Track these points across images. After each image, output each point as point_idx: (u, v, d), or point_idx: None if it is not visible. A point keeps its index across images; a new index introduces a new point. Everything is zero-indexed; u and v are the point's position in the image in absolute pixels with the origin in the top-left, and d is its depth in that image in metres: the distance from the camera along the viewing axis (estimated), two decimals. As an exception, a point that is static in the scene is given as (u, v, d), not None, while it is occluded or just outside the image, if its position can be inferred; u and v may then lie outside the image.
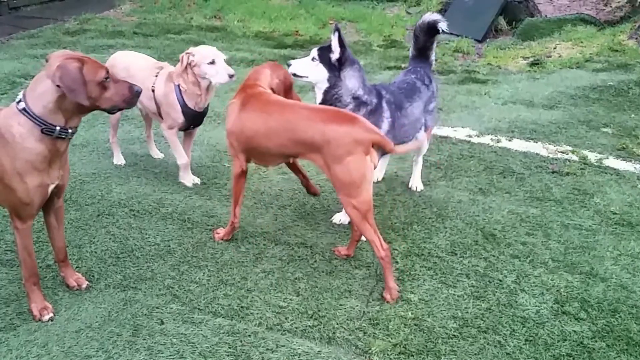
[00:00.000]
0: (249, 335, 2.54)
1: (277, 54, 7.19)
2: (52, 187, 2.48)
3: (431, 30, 3.53)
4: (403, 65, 6.84)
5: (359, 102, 3.11)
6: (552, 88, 5.81)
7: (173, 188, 3.82)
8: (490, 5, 8.31)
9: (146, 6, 9.58)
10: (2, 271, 2.95)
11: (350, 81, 3.09)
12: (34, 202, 2.44)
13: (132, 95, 2.49)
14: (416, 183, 3.86)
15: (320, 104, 3.13)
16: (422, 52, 3.64)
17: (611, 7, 8.61)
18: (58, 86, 2.27)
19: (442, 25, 3.48)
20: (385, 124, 3.16)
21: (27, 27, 8.12)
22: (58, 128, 2.35)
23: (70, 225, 3.31)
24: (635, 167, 4.11)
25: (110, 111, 2.52)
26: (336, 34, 3.03)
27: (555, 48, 7.23)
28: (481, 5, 8.35)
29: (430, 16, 3.53)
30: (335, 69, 3.07)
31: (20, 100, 2.34)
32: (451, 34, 8.34)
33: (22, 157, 2.34)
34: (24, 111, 2.31)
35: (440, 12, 9.00)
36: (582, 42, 7.23)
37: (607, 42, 7.05)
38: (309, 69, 3.14)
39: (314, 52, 3.13)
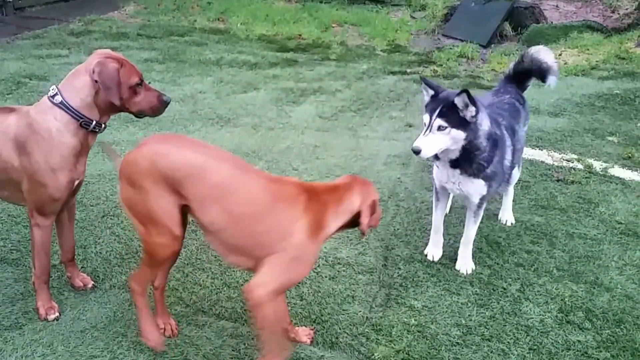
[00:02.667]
0: (253, 338, 2.54)
1: (279, 57, 7.20)
2: (76, 182, 2.52)
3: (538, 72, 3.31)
4: (408, 71, 6.85)
5: (493, 140, 2.77)
6: (557, 95, 5.79)
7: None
8: (495, 11, 8.30)
9: (150, 8, 9.61)
10: (8, 270, 2.96)
11: (485, 123, 2.72)
12: (62, 197, 2.48)
13: (160, 105, 2.53)
14: (507, 216, 3.51)
15: (458, 160, 2.78)
16: (521, 79, 3.37)
17: (619, 14, 8.59)
18: (95, 81, 2.33)
19: (551, 80, 3.32)
20: (509, 153, 2.89)
21: (32, 27, 8.16)
22: (94, 122, 2.41)
23: (75, 226, 3.30)
24: (637, 176, 4.09)
25: (137, 115, 2.55)
26: (464, 95, 2.58)
27: (560, 55, 7.21)
28: (487, 11, 8.34)
29: (545, 55, 3.30)
30: (468, 122, 2.65)
31: (55, 95, 2.37)
32: (456, 38, 8.37)
33: (57, 153, 2.37)
34: (62, 104, 2.35)
35: (445, 17, 9.05)
36: (588, 50, 7.22)
37: (614, 49, 7.02)
38: (443, 140, 2.67)
39: (437, 121, 2.64)
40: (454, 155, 2.75)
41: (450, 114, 2.62)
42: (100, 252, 3.13)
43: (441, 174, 2.94)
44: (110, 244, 3.21)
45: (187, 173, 2.12)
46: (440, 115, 2.62)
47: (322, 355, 2.46)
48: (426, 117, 2.68)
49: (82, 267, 2.97)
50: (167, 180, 2.14)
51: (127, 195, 2.24)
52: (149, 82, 5.87)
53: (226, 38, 8.14)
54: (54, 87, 2.40)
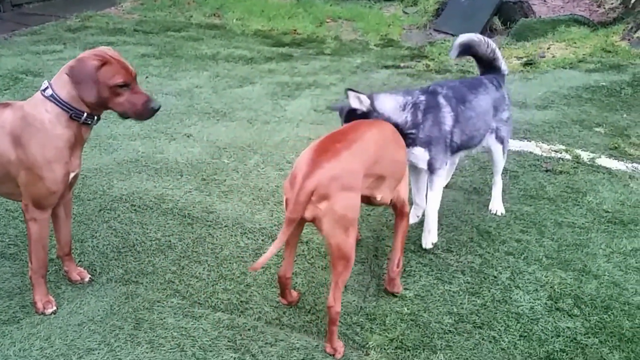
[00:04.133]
0: (249, 330, 2.59)
1: (275, 52, 7.24)
2: (72, 175, 2.54)
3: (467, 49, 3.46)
4: (401, 65, 6.92)
5: (416, 109, 3.00)
6: (545, 88, 5.87)
7: (174, 184, 3.86)
8: (485, 6, 8.37)
9: (147, 4, 9.64)
10: (6, 265, 2.99)
11: (389, 103, 2.99)
12: (59, 190, 2.49)
13: (144, 110, 2.49)
14: (496, 206, 3.59)
15: None
16: (487, 64, 3.49)
17: (604, 8, 8.68)
18: (68, 75, 2.35)
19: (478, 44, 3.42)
20: (449, 119, 3.06)
21: (30, 23, 8.18)
22: (85, 114, 2.42)
23: (72, 220, 3.33)
24: (627, 166, 4.18)
25: (121, 116, 2.52)
26: (351, 93, 2.94)
27: (548, 48, 7.29)
28: (476, 6, 8.41)
29: (463, 37, 3.46)
30: (370, 113, 2.94)
31: (46, 88, 2.40)
32: (447, 33, 8.43)
33: (51, 145, 2.40)
34: (52, 97, 2.38)
35: (436, 11, 9.10)
36: (575, 43, 7.29)
37: (600, 43, 7.10)
38: None
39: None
40: None
41: (354, 117, 2.92)
42: (97, 246, 3.17)
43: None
44: (107, 237, 3.25)
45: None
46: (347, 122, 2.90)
47: (317, 345, 2.51)
48: None
49: (79, 261, 3.01)
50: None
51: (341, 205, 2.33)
52: (146, 77, 5.97)
53: (222, 33, 8.16)
54: (46, 81, 2.44)
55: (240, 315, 2.68)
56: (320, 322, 2.65)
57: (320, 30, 8.50)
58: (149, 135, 4.61)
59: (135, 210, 3.53)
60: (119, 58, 2.44)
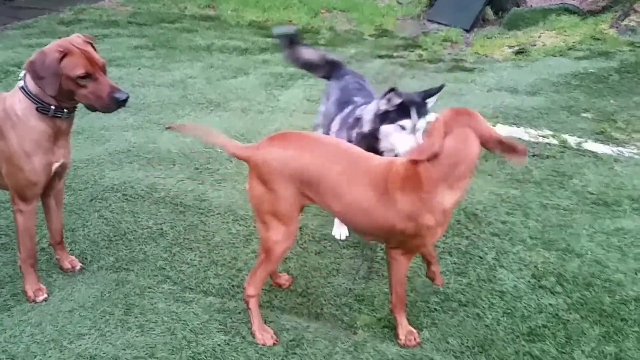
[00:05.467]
0: (239, 313, 2.63)
1: (269, 43, 7.25)
2: (56, 165, 2.54)
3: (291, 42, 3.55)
4: (395, 55, 6.97)
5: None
6: (535, 75, 5.94)
7: (165, 173, 3.91)
8: (477, -5, 8.43)
9: (141, -5, 9.64)
10: (-3, 254, 3.03)
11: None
12: (40, 181, 2.50)
13: (110, 101, 2.39)
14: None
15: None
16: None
17: (594, -3, 8.74)
18: (27, 70, 2.33)
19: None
20: None
21: (22, 17, 8.19)
22: (53, 107, 2.38)
23: (64, 210, 3.36)
24: (612, 150, 4.24)
25: (88, 108, 2.43)
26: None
27: (539, 37, 7.35)
28: (469, -5, 8.47)
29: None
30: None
31: (21, 79, 2.41)
32: (440, 23, 8.48)
33: (27, 136, 2.39)
34: (22, 89, 2.38)
35: (430, 2, 9.16)
36: (565, 31, 7.35)
37: (590, 31, 7.17)
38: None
39: (421, 122, 2.85)
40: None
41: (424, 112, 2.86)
42: (88, 235, 3.21)
43: None
44: (98, 226, 3.29)
45: (310, 176, 2.25)
46: (420, 116, 2.82)
47: (307, 326, 2.57)
48: (410, 121, 2.79)
49: (70, 250, 3.05)
50: (295, 182, 2.26)
51: (257, 193, 2.33)
52: (139, 69, 6.01)
53: (216, 25, 8.20)
54: (23, 71, 2.40)
55: (231, 299, 2.73)
56: (311, 304, 2.71)
57: (315, 21, 8.55)
58: (142, 126, 4.66)
59: (126, 199, 3.58)
60: (84, 48, 2.35)
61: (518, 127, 4.67)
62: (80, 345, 2.44)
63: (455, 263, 3.02)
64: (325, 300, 2.74)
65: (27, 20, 8.02)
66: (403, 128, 2.78)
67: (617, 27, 7.12)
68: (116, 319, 2.59)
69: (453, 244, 3.17)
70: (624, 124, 4.68)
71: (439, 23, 8.53)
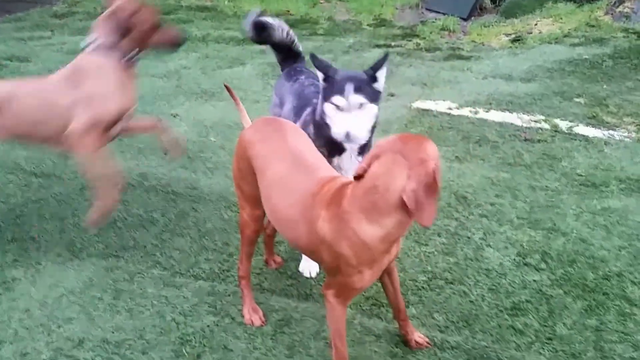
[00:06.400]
0: (229, 295, 2.68)
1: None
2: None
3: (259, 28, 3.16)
4: (393, 44, 7.00)
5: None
6: (530, 62, 5.96)
7: (157, 162, 3.94)
8: (475, -16, 8.43)
9: (136, -13, 9.61)
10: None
11: None
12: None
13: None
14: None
15: (365, 144, 2.64)
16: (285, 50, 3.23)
17: (591, -16, 8.72)
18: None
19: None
20: None
21: (14, 10, 8.18)
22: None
23: (53, 199, 3.44)
24: (603, 133, 4.27)
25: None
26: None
27: (536, 25, 7.37)
28: (466, -16, 8.46)
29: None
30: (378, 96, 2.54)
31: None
32: (438, 12, 8.49)
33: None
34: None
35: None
36: (561, 19, 7.36)
37: (585, 18, 7.18)
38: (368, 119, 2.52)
39: (356, 97, 2.42)
40: (366, 138, 2.55)
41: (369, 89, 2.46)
42: (77, 224, 3.23)
43: (347, 170, 2.63)
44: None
45: (255, 167, 2.23)
46: (357, 91, 2.41)
47: (296, 306, 2.62)
48: (340, 98, 2.42)
49: (59, 238, 3.10)
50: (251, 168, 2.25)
51: (233, 171, 2.41)
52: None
53: (213, 15, 8.21)
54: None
55: (221, 283, 2.77)
56: (301, 286, 2.76)
57: (313, 11, 8.56)
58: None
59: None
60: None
61: (511, 112, 4.70)
62: (69, 329, 2.50)
63: (443, 244, 3.06)
64: (314, 282, 2.79)
65: (19, 14, 8.01)
66: (337, 107, 2.44)
67: (612, 14, 7.13)
68: (105, 303, 2.64)
69: (442, 225, 3.21)
70: (616, 108, 4.71)
71: (437, 12, 8.53)
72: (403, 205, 1.73)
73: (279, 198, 2.10)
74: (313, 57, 2.52)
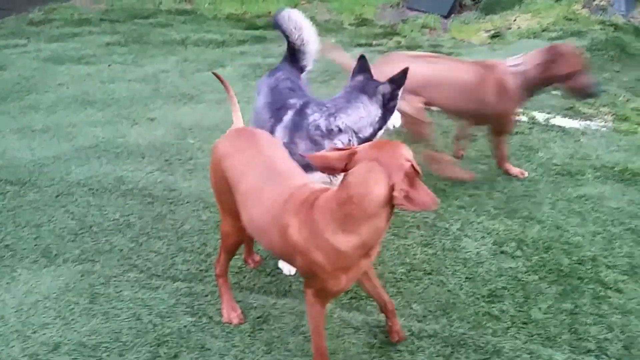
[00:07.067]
0: (207, 295, 2.67)
1: (248, 35, 7.26)
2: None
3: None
4: (374, 43, 7.02)
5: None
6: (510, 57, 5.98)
7: (134, 166, 3.88)
8: (454, -18, 8.49)
9: (114, -8, 9.56)
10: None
11: None
12: None
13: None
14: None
15: None
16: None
17: (568, -22, 8.82)
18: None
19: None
20: None
21: (-11, 18, 7.93)
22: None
23: (29, 207, 3.39)
24: (580, 124, 4.31)
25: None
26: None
27: (515, 20, 7.43)
28: (446, -18, 8.52)
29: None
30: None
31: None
32: (419, 10, 8.54)
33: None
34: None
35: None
36: (540, 13, 7.43)
37: (563, 12, 7.26)
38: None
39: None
40: None
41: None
42: (53, 230, 3.18)
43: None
44: (63, 221, 3.26)
45: (230, 178, 2.22)
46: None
47: (274, 302, 2.61)
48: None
49: (35, 245, 3.05)
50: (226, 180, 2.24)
51: (211, 181, 2.40)
52: (109, 65, 5.99)
53: (193, 18, 8.15)
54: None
55: (199, 283, 2.75)
56: (279, 283, 2.75)
57: (294, 11, 8.52)
58: (110, 121, 4.61)
59: (93, 193, 3.54)
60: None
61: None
62: (44, 334, 2.47)
63: (422, 236, 3.07)
64: (293, 278, 2.78)
65: (-6, 21, 7.83)
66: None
67: (589, 7, 7.21)
68: (81, 307, 2.61)
69: (421, 218, 3.21)
70: (593, 99, 4.73)
71: (418, 10, 8.58)
72: (387, 210, 1.77)
73: (253, 207, 2.10)
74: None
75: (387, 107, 2.58)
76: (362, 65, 2.64)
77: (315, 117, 2.60)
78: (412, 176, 1.72)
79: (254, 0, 9.01)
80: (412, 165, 1.73)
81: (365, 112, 2.56)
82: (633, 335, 2.41)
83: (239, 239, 2.43)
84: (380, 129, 2.61)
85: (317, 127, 2.58)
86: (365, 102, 2.57)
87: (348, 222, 1.78)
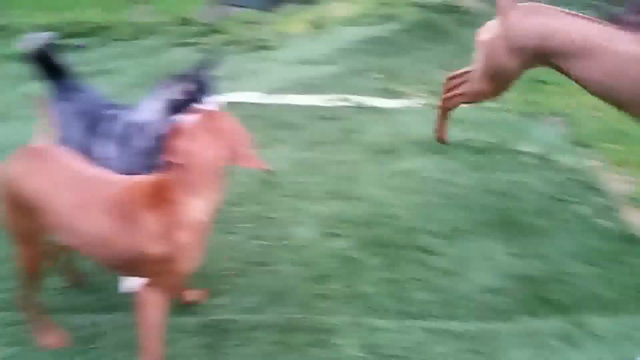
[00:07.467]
0: (26, 323, 2.42)
1: (63, 44, 6.80)
2: None
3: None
4: (197, 42, 6.87)
5: None
6: (331, 46, 6.23)
7: None
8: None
9: None
10: None
11: None
12: None
13: None
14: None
15: None
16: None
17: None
18: None
19: None
20: None
21: None
22: None
23: None
24: (397, 103, 4.59)
25: None
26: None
27: (334, 9, 7.73)
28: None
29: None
30: None
31: None
32: (241, 7, 8.58)
33: None
34: None
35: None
36: (357, 1, 7.80)
37: (378, -3, 7.70)
38: None
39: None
40: None
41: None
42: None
43: None
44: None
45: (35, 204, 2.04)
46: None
47: (100, 320, 2.48)
48: None
49: None
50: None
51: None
52: None
53: (6, 33, 7.45)
54: None
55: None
56: (105, 298, 2.60)
57: (114, 16, 8.15)
58: None
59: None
60: None
61: (313, 95, 4.86)
62: None
63: (254, 229, 3.07)
64: (120, 293, 2.65)
65: None
66: None
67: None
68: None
69: (249, 211, 3.21)
70: (408, 79, 5.07)
71: (239, 6, 8.63)
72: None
73: (82, 221, 1.99)
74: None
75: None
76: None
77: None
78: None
79: (69, 7, 8.48)
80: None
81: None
82: (456, 294, 2.62)
83: (41, 266, 2.27)
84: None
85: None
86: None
87: (197, 189, 1.93)
